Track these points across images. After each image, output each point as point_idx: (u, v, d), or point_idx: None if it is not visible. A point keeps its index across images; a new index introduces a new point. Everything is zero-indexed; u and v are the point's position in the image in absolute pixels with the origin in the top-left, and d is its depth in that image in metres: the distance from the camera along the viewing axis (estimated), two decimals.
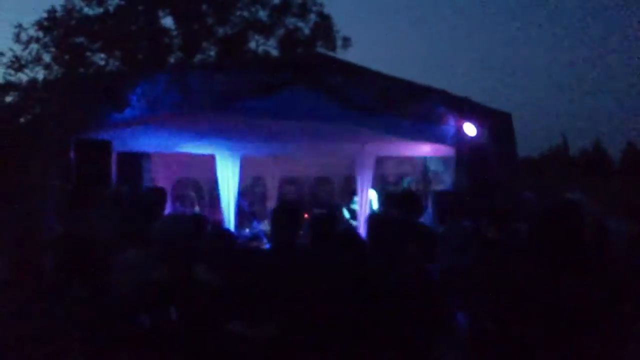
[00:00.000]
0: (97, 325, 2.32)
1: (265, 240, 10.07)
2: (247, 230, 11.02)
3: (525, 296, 2.83)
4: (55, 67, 15.63)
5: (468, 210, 5.37)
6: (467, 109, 8.66)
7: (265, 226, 11.22)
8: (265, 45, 17.85)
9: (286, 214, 3.52)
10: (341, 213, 10.95)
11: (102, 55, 16.12)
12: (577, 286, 2.75)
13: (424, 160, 11.24)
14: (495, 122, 8.70)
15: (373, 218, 4.78)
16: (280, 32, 17.82)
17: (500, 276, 3.00)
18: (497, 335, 2.84)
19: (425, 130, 8.70)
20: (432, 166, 11.01)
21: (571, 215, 3.08)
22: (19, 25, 16.28)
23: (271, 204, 12.72)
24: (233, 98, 8.17)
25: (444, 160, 9.97)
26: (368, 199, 10.39)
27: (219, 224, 9.77)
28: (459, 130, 8.60)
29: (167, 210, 8.22)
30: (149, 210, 4.32)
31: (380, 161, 11.03)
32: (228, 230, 6.88)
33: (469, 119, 8.57)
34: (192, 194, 11.27)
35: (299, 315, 2.64)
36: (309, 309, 2.81)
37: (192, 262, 3.15)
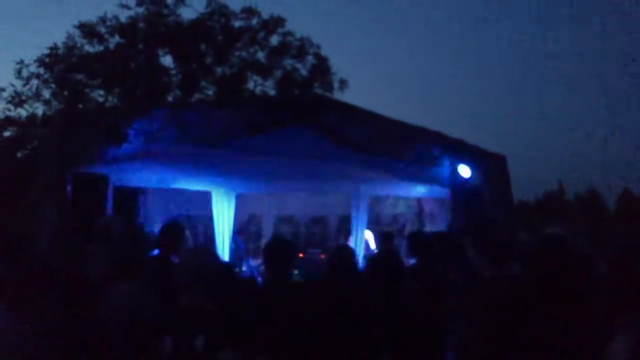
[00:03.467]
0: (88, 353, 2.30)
1: (259, 278, 9.98)
2: (242, 268, 10.93)
3: (519, 330, 2.85)
4: (54, 103, 15.67)
5: (463, 250, 5.39)
6: (462, 150, 8.73)
7: (260, 264, 11.14)
8: (264, 86, 17.91)
9: (279, 249, 3.53)
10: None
11: (101, 92, 16.20)
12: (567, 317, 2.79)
13: (419, 200, 11.22)
14: (490, 164, 8.77)
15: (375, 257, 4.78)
16: (278, 73, 17.91)
17: (496, 312, 3.01)
18: None
19: (420, 171, 8.76)
20: (427, 207, 10.98)
21: (557, 249, 3.14)
22: (21, 62, 16.33)
23: (266, 242, 12.62)
24: (230, 135, 8.24)
25: (439, 201, 9.97)
26: (364, 239, 10.34)
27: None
28: (454, 171, 8.65)
29: None
30: (164, 245, 4.35)
31: (375, 201, 11.02)
32: (226, 262, 6.88)
33: (464, 160, 8.64)
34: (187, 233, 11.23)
35: (290, 346, 2.63)
36: (299, 341, 2.80)
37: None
